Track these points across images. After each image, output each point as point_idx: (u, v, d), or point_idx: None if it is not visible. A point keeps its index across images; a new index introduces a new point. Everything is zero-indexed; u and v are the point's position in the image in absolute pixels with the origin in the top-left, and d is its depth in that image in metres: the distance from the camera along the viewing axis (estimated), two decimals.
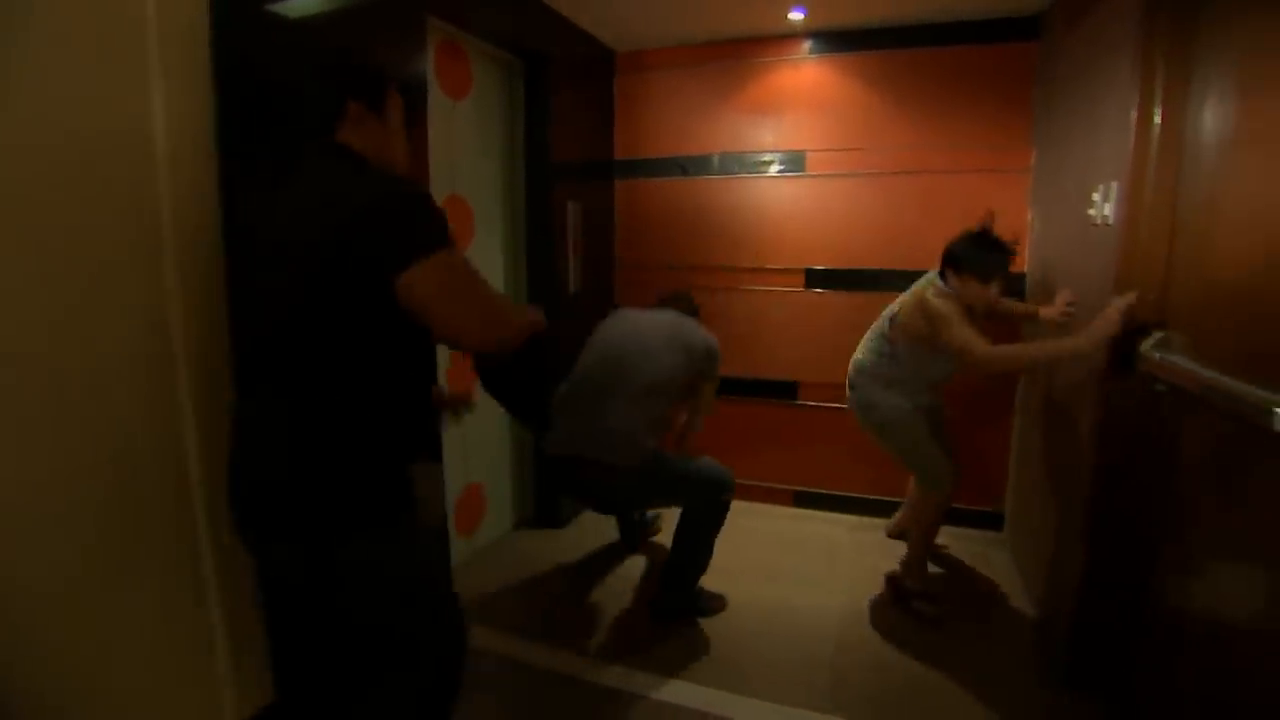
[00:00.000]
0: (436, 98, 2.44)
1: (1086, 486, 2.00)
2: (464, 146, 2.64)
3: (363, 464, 1.14)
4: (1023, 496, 2.89)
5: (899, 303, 2.45)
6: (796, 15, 2.84)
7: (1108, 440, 1.93)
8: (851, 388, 2.54)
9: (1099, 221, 2.04)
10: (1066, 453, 2.26)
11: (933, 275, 2.43)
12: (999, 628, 2.41)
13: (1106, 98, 2.04)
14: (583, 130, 3.19)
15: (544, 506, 3.17)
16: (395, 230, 1.07)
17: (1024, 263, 2.91)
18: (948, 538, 3.04)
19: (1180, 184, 1.75)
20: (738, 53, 3.21)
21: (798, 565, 2.85)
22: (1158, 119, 1.79)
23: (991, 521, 3.15)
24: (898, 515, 3.12)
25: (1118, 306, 1.82)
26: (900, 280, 3.10)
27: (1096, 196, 2.05)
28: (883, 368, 2.45)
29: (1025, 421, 2.92)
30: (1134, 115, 1.82)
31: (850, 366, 2.55)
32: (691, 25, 3.05)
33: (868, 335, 2.54)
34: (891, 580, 2.62)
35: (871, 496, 3.30)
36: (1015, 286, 2.97)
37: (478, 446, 2.87)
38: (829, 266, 3.22)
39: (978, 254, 2.29)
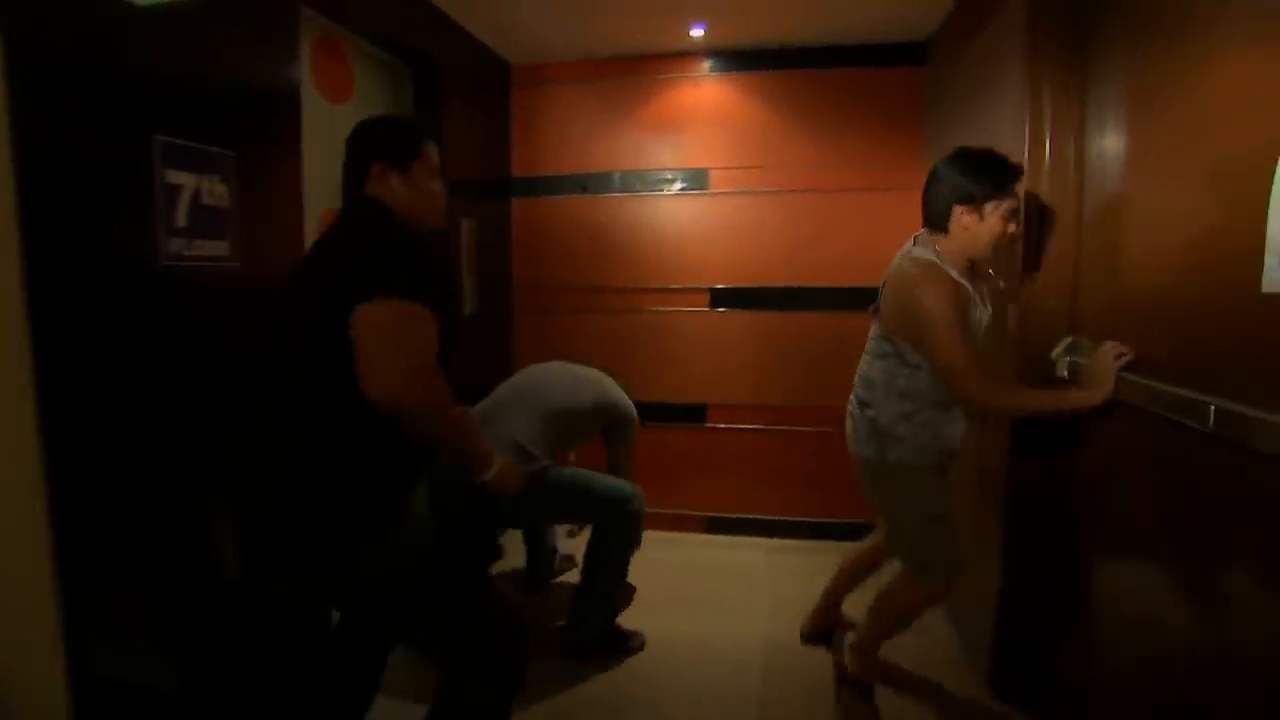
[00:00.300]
0: (313, 100, 2.20)
1: (1002, 496, 2.01)
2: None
3: (375, 485, 1.24)
4: None
5: (891, 267, 1.78)
6: (697, 32, 2.83)
7: (1022, 447, 1.96)
8: (861, 405, 1.81)
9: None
10: (979, 462, 2.28)
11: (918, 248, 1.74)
12: (921, 642, 2.39)
13: (999, 115, 2.11)
14: (477, 144, 3.01)
15: None
16: (366, 268, 1.17)
17: None
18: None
19: (1084, 196, 1.81)
20: (639, 69, 3.17)
21: (715, 594, 2.74)
22: (1048, 134, 1.86)
23: None
24: (819, 607, 2.36)
25: (1117, 352, 1.48)
26: (806, 298, 3.13)
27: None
28: (899, 378, 1.71)
29: None
30: (1026, 130, 1.89)
31: (855, 380, 1.90)
32: (590, 39, 2.97)
33: (869, 335, 1.87)
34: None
35: (786, 518, 3.26)
36: None
37: None
38: (734, 285, 3.19)
39: (976, 165, 1.64)
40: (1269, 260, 1.02)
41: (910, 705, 2.04)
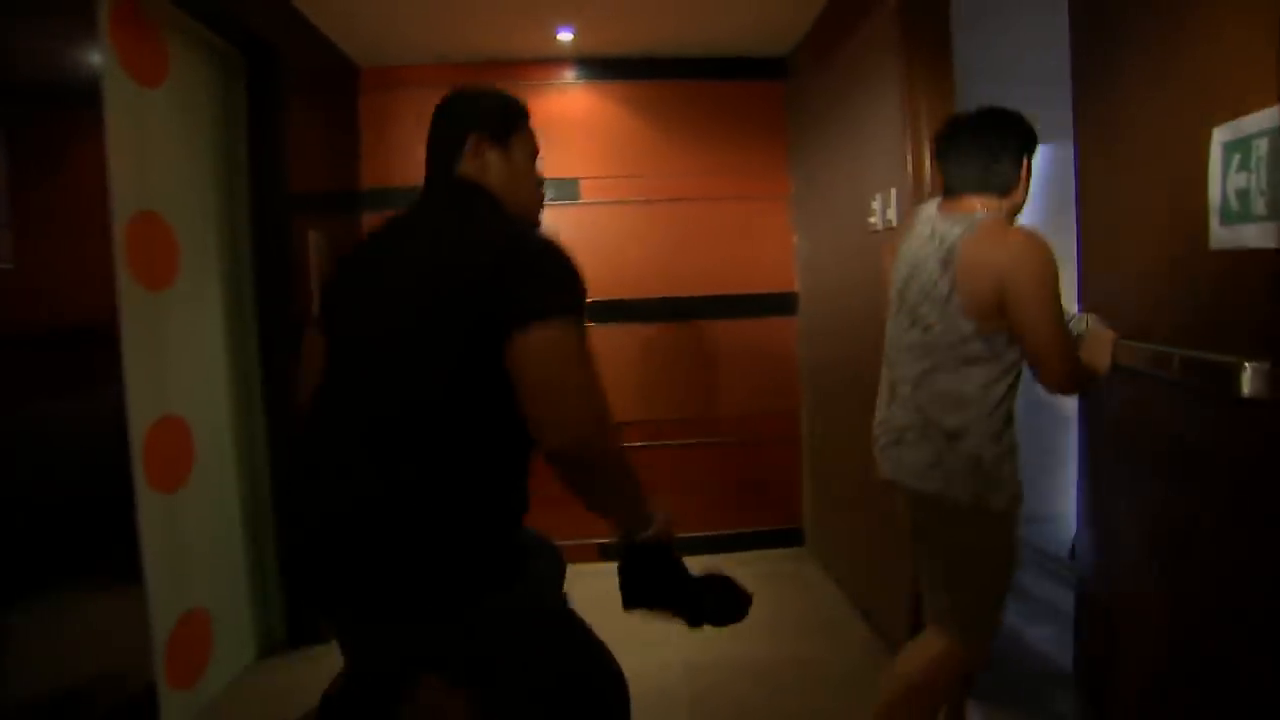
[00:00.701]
0: (117, 78, 1.80)
1: None
2: (161, 147, 1.98)
3: (489, 522, 1.05)
4: (824, 509, 2.98)
5: (914, 251, 1.46)
6: (564, 35, 2.74)
7: None
8: (949, 437, 1.40)
9: (880, 227, 2.19)
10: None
11: (930, 210, 1.48)
12: (836, 638, 2.40)
13: (875, 118, 2.22)
14: (323, 150, 2.67)
15: (300, 619, 2.44)
16: (525, 283, 0.99)
17: (794, 282, 3.11)
18: (750, 562, 3.01)
19: None
20: (502, 74, 3.00)
21: (621, 624, 2.51)
22: (927, 135, 1.97)
23: (790, 539, 3.20)
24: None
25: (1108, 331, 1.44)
26: (684, 308, 3.10)
27: (875, 205, 2.20)
28: (996, 387, 1.37)
29: (819, 434, 3.03)
30: (905, 129, 1.99)
31: (921, 399, 1.44)
32: (448, 41, 2.77)
33: (910, 341, 1.46)
34: None
35: (682, 535, 3.15)
36: (786, 305, 3.14)
37: (199, 556, 2.10)
38: (609, 298, 3.08)
39: (1021, 118, 1.44)
40: (1213, 222, 1.11)
41: (841, 701, 2.03)
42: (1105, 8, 1.46)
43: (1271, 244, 1.05)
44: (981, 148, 1.41)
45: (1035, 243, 1.31)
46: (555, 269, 1.02)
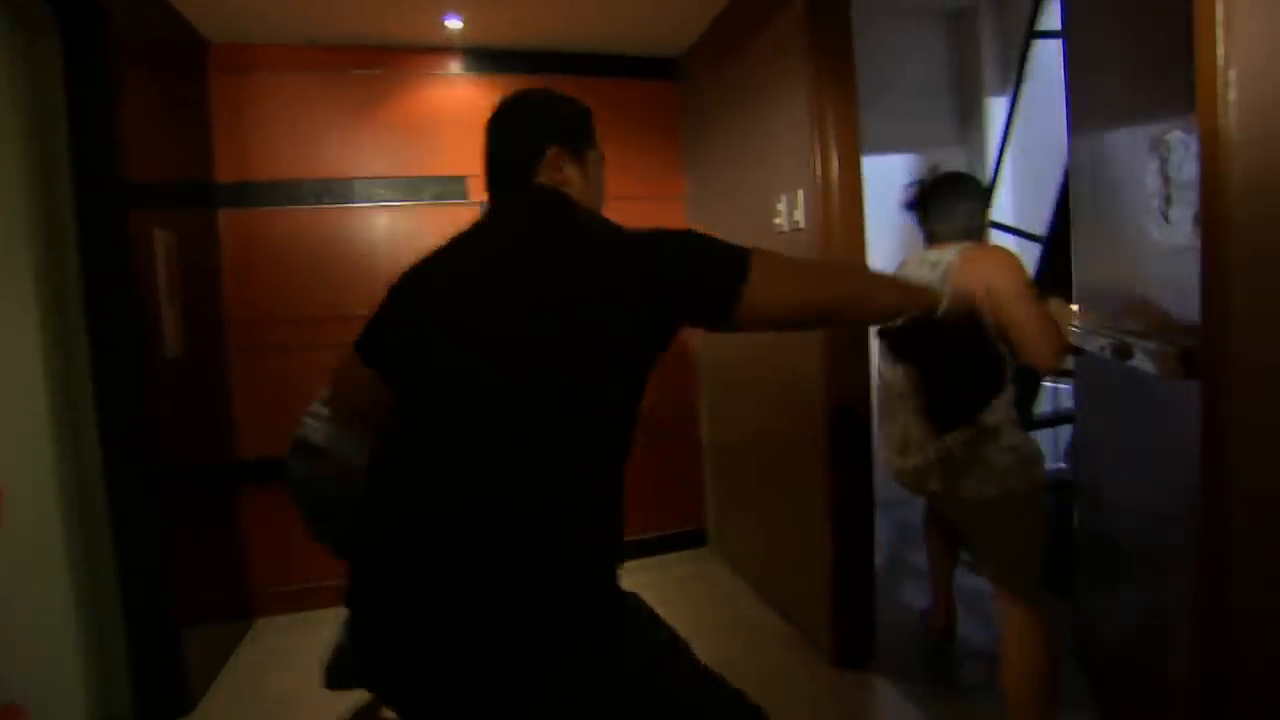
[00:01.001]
0: None
1: (826, 478, 2.10)
2: None
3: (613, 558, 1.02)
4: (727, 508, 3.00)
5: (911, 273, 1.69)
6: (452, 22, 2.54)
7: (836, 425, 2.07)
8: (991, 434, 1.55)
9: (786, 228, 2.22)
10: (786, 451, 2.37)
11: (927, 253, 1.72)
12: (755, 636, 2.41)
13: (778, 121, 2.25)
14: (168, 133, 2.26)
15: (154, 679, 2.04)
16: (708, 259, 0.98)
17: None
18: (655, 567, 2.98)
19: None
20: (381, 61, 2.74)
21: None
22: (834, 140, 2.03)
23: (692, 540, 3.19)
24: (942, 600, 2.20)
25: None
26: None
27: (781, 206, 2.23)
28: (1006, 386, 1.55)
29: (717, 437, 3.05)
30: (813, 132, 2.04)
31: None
32: (315, 19, 2.47)
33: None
34: None
35: None
36: None
37: (10, 641, 1.67)
38: None
39: (977, 182, 1.85)
40: (1150, 220, 1.21)
41: (774, 700, 2.01)
42: (1092, 32, 1.60)
43: (1177, 240, 1.16)
44: (965, 207, 1.73)
45: (1010, 254, 1.62)
46: (698, 236, 1.01)
